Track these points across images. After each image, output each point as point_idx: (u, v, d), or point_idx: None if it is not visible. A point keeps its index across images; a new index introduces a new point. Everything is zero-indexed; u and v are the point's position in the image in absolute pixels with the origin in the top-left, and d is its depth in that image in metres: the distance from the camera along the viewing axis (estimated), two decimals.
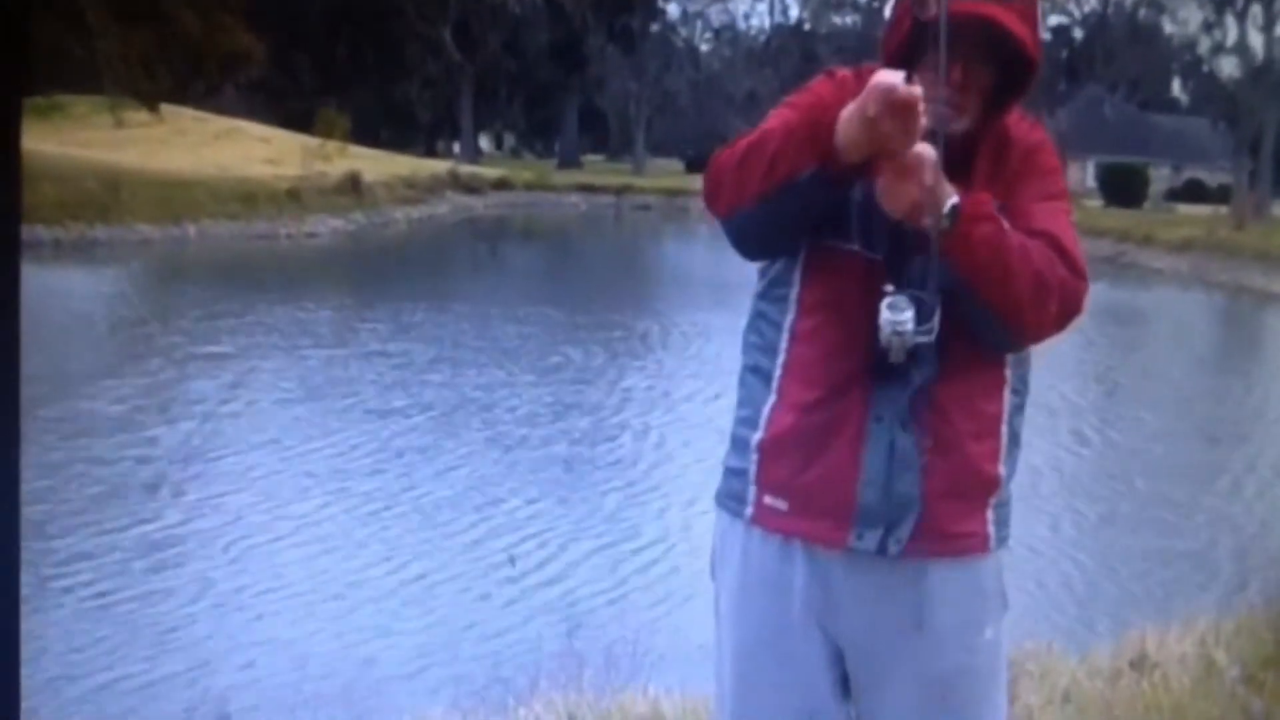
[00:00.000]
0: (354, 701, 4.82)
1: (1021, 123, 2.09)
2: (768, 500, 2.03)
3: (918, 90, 1.73)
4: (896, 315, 1.86)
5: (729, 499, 2.10)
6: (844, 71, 2.10)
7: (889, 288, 1.87)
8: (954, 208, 1.84)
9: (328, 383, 13.46)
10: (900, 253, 1.94)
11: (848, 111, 1.79)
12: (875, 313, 1.88)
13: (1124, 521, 9.45)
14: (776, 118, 2.02)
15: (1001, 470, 2.03)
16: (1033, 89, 2.00)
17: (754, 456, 2.04)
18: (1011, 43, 1.92)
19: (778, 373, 2.03)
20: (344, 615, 6.94)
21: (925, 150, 1.78)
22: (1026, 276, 1.89)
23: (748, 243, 2.03)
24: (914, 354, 1.89)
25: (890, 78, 1.73)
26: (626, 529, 8.73)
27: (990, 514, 2.03)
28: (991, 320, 1.93)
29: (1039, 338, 2.00)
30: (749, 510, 2.06)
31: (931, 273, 1.88)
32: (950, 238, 1.85)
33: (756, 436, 2.04)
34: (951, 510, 1.97)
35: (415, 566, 7.74)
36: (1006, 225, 1.91)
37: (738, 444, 2.09)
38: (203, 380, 13.23)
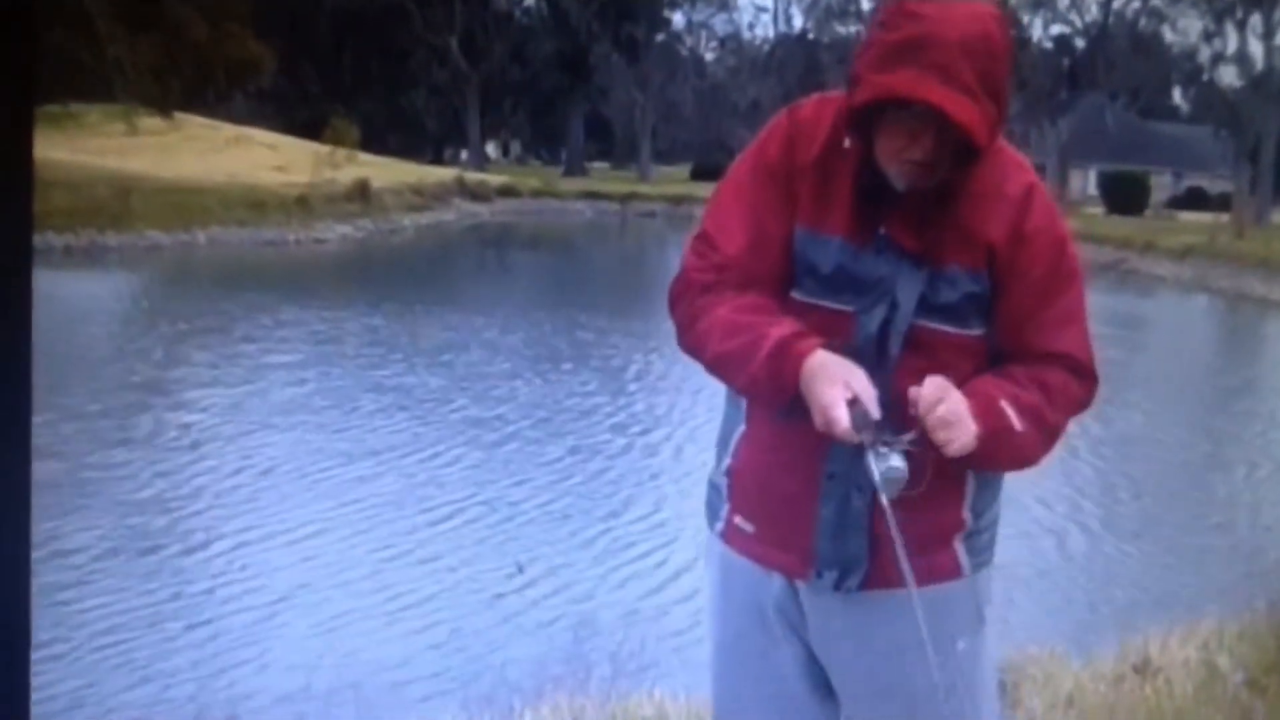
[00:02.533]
0: (362, 704, 4.83)
1: (1018, 183, 1.94)
2: (738, 521, 2.07)
3: (841, 420, 1.76)
4: (885, 464, 1.79)
5: (708, 510, 2.16)
6: (805, 109, 2.01)
7: (882, 450, 1.78)
8: (976, 435, 1.83)
9: (328, 383, 13.49)
10: (868, 300, 1.91)
11: (806, 388, 1.81)
12: (837, 351, 1.87)
13: (1125, 527, 9.44)
14: (723, 213, 1.99)
15: (966, 514, 2.01)
16: (984, 154, 1.86)
17: (725, 480, 2.09)
18: (961, 132, 1.79)
19: (745, 400, 2.04)
20: (352, 617, 6.95)
21: (843, 420, 1.77)
22: (1039, 441, 1.92)
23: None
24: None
25: (839, 425, 1.76)
26: (629, 529, 8.74)
27: (960, 546, 2.02)
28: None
29: None
30: (720, 526, 2.10)
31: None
32: (974, 458, 1.87)
33: (728, 461, 2.08)
34: (910, 551, 1.86)
35: (423, 569, 7.75)
36: (1019, 424, 1.87)
37: (718, 459, 2.13)
38: (204, 375, 13.26)
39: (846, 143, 1.89)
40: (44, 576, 7.18)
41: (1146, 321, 24.45)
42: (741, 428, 2.05)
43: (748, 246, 1.94)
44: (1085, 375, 1.96)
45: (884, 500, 1.78)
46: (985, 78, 1.78)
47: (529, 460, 10.62)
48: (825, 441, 1.87)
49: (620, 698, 3.94)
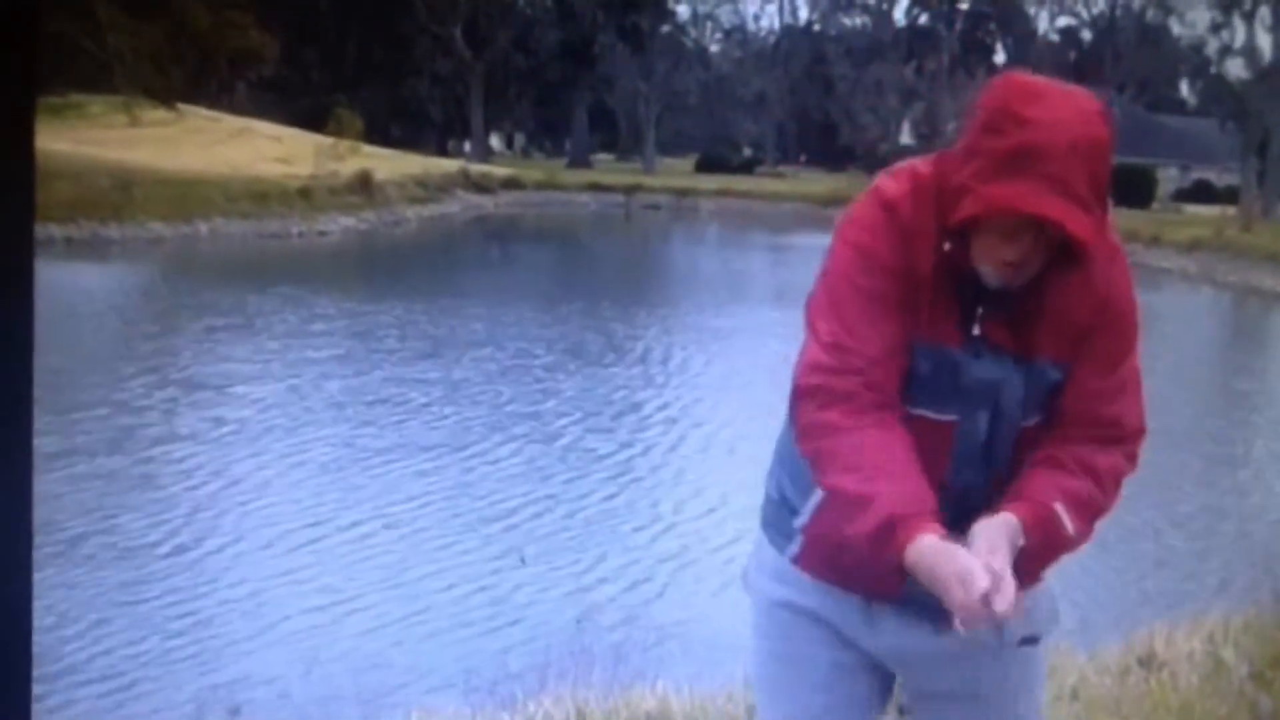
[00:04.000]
0: (364, 695, 4.83)
1: (1101, 247, 1.86)
2: (819, 553, 2.01)
3: (997, 610, 1.69)
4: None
5: (775, 533, 2.08)
6: (901, 204, 1.87)
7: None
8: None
9: (331, 376, 13.49)
10: (971, 407, 1.88)
11: (918, 570, 1.76)
12: (931, 464, 1.85)
13: (1131, 520, 9.42)
14: (851, 321, 1.85)
15: None
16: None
17: (798, 536, 2.03)
18: (1073, 239, 1.75)
19: None
20: (354, 609, 6.96)
21: (999, 607, 1.71)
22: (1089, 530, 1.91)
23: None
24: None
25: (973, 609, 1.69)
26: (638, 524, 8.75)
27: None
28: None
29: None
30: (794, 550, 2.05)
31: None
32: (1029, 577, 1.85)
33: (801, 520, 2.01)
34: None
35: (425, 561, 7.76)
36: (1066, 517, 1.85)
37: (783, 495, 2.05)
38: (244, 370, 13.26)
39: (947, 246, 1.83)
40: (114, 574, 7.25)
41: (1153, 315, 24.38)
42: (819, 494, 1.95)
43: (884, 353, 1.84)
44: (1135, 439, 1.97)
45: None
46: (1094, 182, 1.75)
47: (523, 450, 10.64)
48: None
49: (623, 690, 3.94)
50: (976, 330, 1.86)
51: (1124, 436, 1.94)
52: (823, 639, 2.03)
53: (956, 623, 1.75)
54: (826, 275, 1.90)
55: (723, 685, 3.91)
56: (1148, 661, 4.23)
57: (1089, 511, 1.88)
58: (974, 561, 1.71)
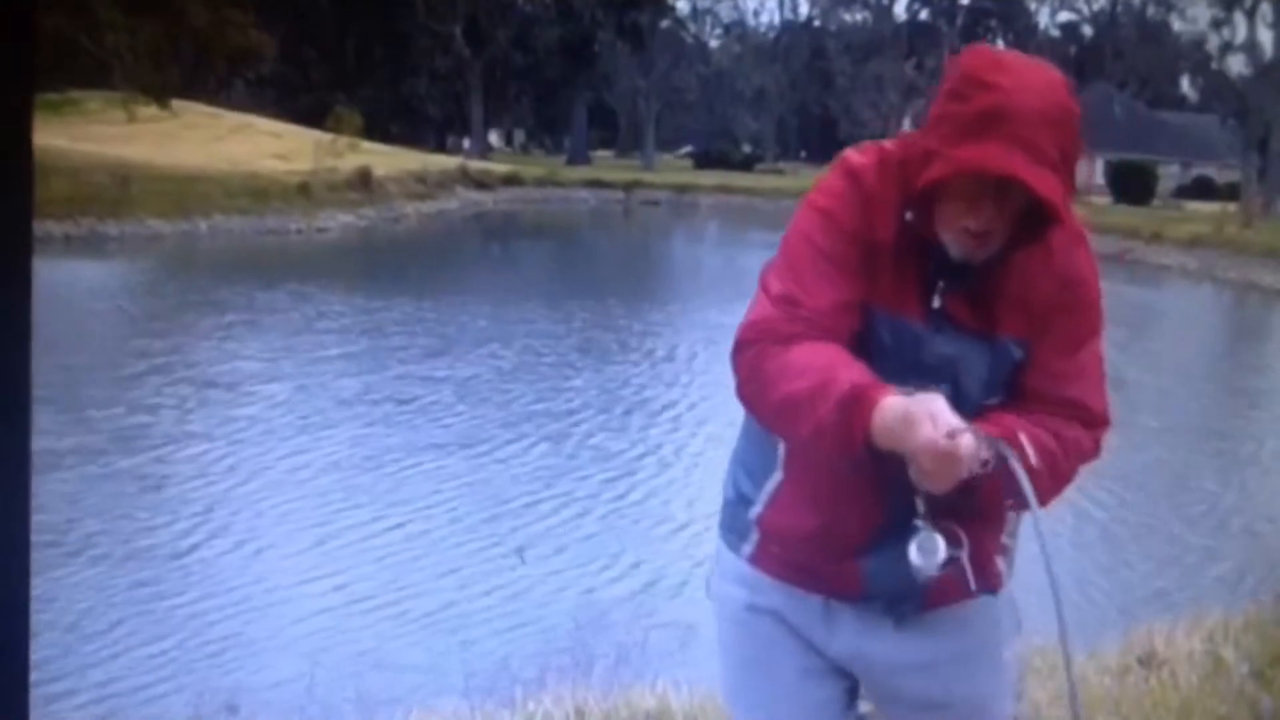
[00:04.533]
0: (363, 694, 4.83)
1: (1064, 233, 1.87)
2: (774, 549, 2.00)
3: (963, 447, 1.66)
4: (928, 560, 1.78)
5: (731, 534, 2.06)
6: (866, 173, 1.88)
7: (919, 522, 1.78)
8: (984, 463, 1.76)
9: (340, 374, 13.49)
10: (930, 382, 1.80)
11: (885, 430, 1.69)
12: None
13: (1130, 517, 9.43)
14: (804, 277, 1.84)
15: (1008, 540, 2.02)
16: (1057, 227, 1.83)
17: (755, 524, 2.01)
18: (1039, 200, 1.74)
19: (782, 450, 1.96)
20: (354, 608, 6.96)
21: (965, 446, 1.68)
22: (1049, 488, 1.85)
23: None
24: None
25: (939, 444, 1.65)
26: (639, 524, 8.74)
27: (1000, 560, 2.02)
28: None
29: None
30: (749, 549, 2.03)
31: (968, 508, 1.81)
32: (981, 490, 1.78)
33: (757, 509, 2.00)
34: (960, 576, 1.89)
35: (426, 558, 7.76)
36: (1032, 456, 1.79)
37: (739, 493, 2.04)
38: (257, 369, 13.27)
39: (909, 215, 1.82)
40: (136, 572, 7.25)
41: (1154, 312, 24.41)
42: (777, 476, 1.96)
43: (835, 306, 1.83)
44: (1097, 425, 1.93)
45: (921, 569, 1.79)
46: (1063, 154, 1.73)
47: (527, 446, 10.64)
48: (878, 497, 1.84)
49: (623, 689, 3.93)
50: (937, 303, 1.84)
51: (1088, 420, 1.91)
52: (788, 645, 2.01)
53: (917, 474, 1.71)
54: (785, 238, 1.91)
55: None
56: (1148, 660, 4.22)
57: (1050, 462, 1.84)
58: (945, 404, 1.69)
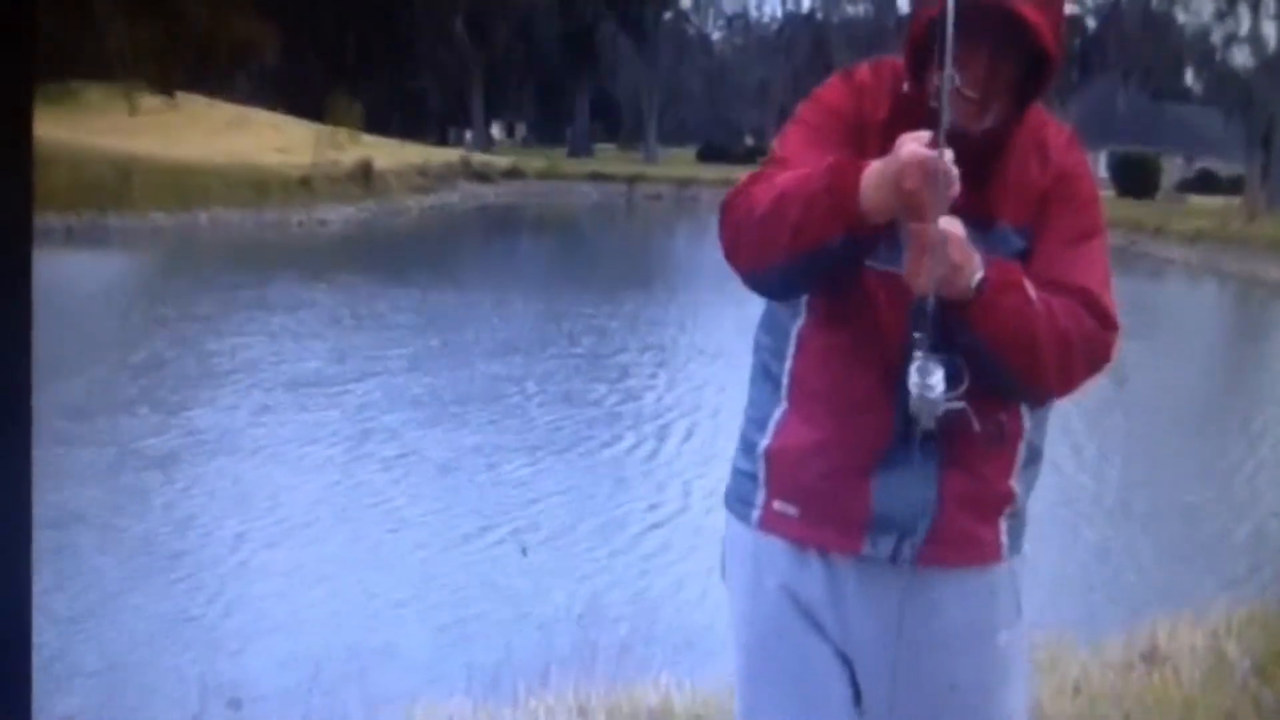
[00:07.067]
0: (366, 688, 4.83)
1: (1059, 133, 1.96)
2: (777, 506, 2.00)
3: (950, 164, 1.67)
4: (926, 379, 1.77)
5: (737, 502, 2.06)
6: (860, 71, 1.99)
7: (918, 353, 1.78)
8: (981, 280, 1.79)
9: (332, 366, 13.48)
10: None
11: (874, 178, 1.72)
12: (892, 326, 1.84)
13: (1135, 512, 9.42)
14: (791, 145, 1.93)
15: (1015, 486, 2.00)
16: (1054, 83, 1.90)
17: (762, 462, 2.01)
18: (1030, 34, 1.79)
19: (785, 380, 1.98)
20: (358, 601, 6.96)
21: (953, 227, 1.72)
22: (1052, 346, 1.84)
23: (772, 294, 1.98)
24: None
25: (923, 152, 1.67)
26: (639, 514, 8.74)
27: (1003, 524, 2.01)
28: (1015, 384, 1.89)
29: (1064, 394, 1.95)
30: (757, 514, 2.02)
31: (962, 338, 1.81)
32: (977, 306, 1.79)
33: (764, 443, 2.00)
34: (964, 519, 1.93)
35: (428, 554, 7.76)
36: (1032, 293, 1.82)
37: (746, 445, 2.05)
38: (203, 366, 13.27)
39: (905, 87, 1.86)
40: (124, 568, 7.24)
41: (1157, 306, 24.38)
42: (782, 406, 1.98)
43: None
44: (1103, 318, 1.92)
45: (919, 399, 1.78)
46: (1055, 13, 1.82)
47: (530, 444, 10.63)
48: (889, 408, 1.85)
49: (626, 685, 3.93)
50: None
51: (1096, 312, 1.90)
52: (797, 627, 2.01)
53: (912, 254, 1.73)
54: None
55: (726, 682, 3.90)
56: (1150, 655, 4.21)
57: (1056, 318, 1.84)
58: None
